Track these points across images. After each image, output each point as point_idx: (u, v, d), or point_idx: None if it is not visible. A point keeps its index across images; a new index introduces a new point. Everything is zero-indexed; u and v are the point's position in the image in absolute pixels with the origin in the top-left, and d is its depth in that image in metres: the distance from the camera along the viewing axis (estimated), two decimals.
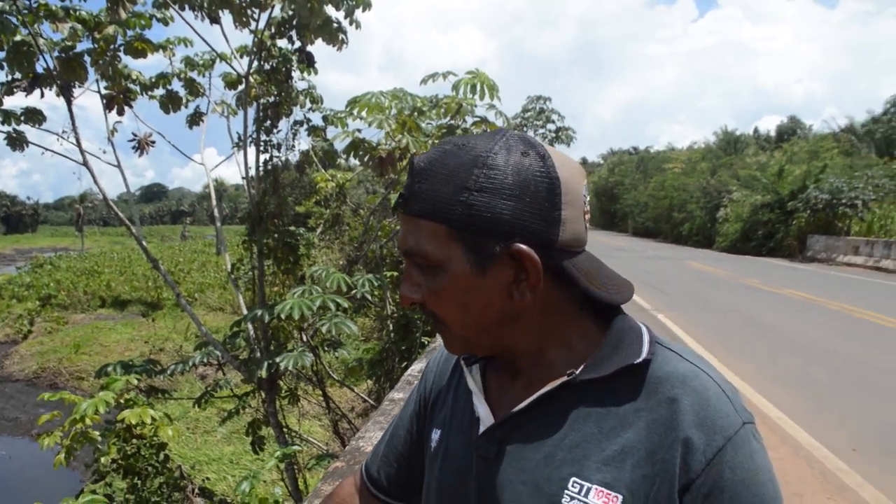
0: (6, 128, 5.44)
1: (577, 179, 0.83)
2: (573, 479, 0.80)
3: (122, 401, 4.33)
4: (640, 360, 0.82)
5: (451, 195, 0.80)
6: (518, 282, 0.82)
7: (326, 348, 5.74)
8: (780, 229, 28.40)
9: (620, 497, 0.78)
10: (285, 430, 5.79)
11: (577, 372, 0.84)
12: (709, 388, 0.80)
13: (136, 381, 4.67)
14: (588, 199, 0.85)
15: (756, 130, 54.89)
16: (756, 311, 12.25)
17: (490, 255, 0.81)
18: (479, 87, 5.23)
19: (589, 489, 0.79)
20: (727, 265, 22.45)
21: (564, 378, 0.84)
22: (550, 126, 61.13)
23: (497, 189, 0.79)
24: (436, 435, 1.02)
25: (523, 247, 0.79)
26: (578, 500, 0.79)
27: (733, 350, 8.76)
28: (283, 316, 4.28)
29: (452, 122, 5.75)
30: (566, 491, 0.80)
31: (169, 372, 5.41)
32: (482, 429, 0.92)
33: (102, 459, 4.24)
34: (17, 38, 4.88)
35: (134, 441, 4.43)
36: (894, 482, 4.71)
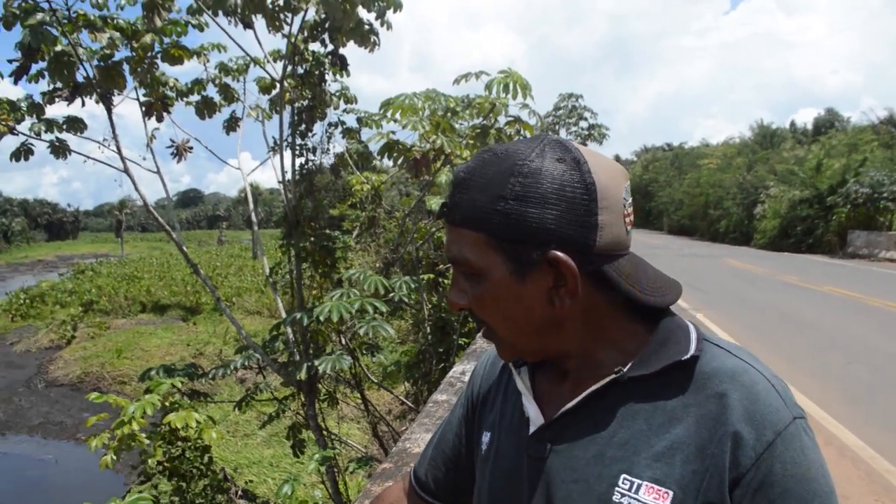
0: (49, 136, 5.54)
1: (617, 182, 0.83)
2: (623, 475, 0.81)
3: (166, 404, 4.40)
4: (688, 356, 0.82)
5: (488, 204, 0.81)
6: (557, 288, 0.83)
7: (364, 352, 5.76)
8: (819, 225, 27.89)
9: (671, 493, 0.78)
10: (325, 432, 5.81)
11: (625, 370, 0.84)
12: (758, 382, 0.80)
13: (179, 385, 4.74)
14: (630, 201, 0.85)
15: (793, 124, 53.95)
16: (795, 308, 12.04)
17: (529, 262, 0.82)
18: (511, 87, 5.19)
19: (640, 486, 0.80)
20: (765, 262, 22.11)
21: (612, 376, 0.84)
22: (583, 124, 60.75)
23: (532, 197, 0.80)
24: (486, 437, 1.03)
25: (560, 254, 0.80)
26: (629, 496, 0.80)
27: (773, 348, 8.61)
28: (321, 319, 4.30)
29: (485, 121, 5.72)
30: (617, 488, 0.81)
31: (211, 375, 5.47)
32: (532, 429, 0.92)
33: (149, 461, 4.30)
34: (58, 48, 4.97)
35: (179, 444, 4.49)
36: None
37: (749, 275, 18.25)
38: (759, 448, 0.76)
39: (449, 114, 5.66)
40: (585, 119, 60.16)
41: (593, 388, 0.85)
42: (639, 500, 0.79)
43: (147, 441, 4.16)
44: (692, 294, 13.67)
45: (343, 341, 5.58)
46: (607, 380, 0.84)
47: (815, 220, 28.14)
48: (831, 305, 12.30)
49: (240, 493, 5.12)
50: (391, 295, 4.89)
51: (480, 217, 0.82)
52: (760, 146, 47.35)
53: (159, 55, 5.62)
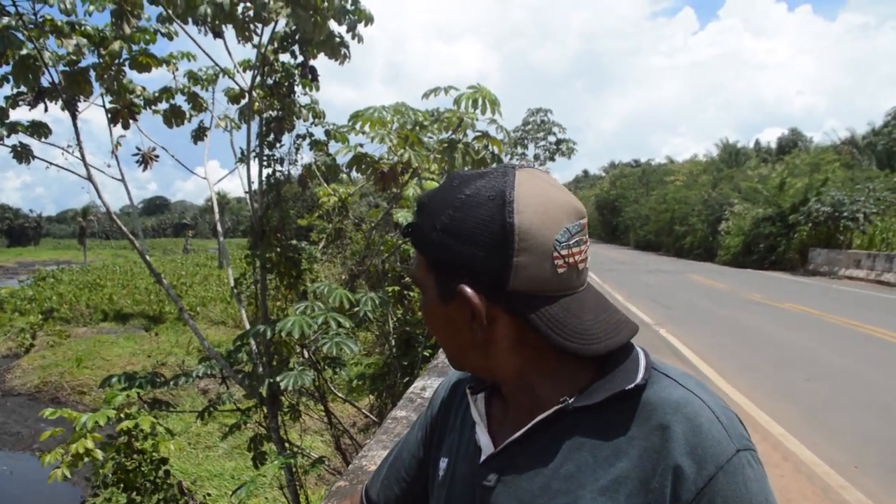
0: (12, 140, 5.45)
1: (550, 222, 0.81)
2: None
3: (122, 415, 4.33)
4: (632, 386, 0.82)
5: (427, 231, 0.86)
6: (474, 318, 0.85)
7: (327, 366, 5.73)
8: (781, 242, 28.42)
9: None
10: (287, 445, 5.77)
11: (571, 400, 0.84)
12: (701, 414, 0.79)
13: (136, 396, 4.67)
14: (576, 240, 0.83)
15: (757, 143, 55.00)
16: (758, 325, 12.23)
17: (449, 290, 0.85)
18: (480, 102, 5.23)
19: None
20: (729, 279, 22.45)
21: (558, 406, 0.84)
22: (551, 138, 61.25)
23: (456, 232, 0.82)
24: (443, 463, 1.03)
25: (466, 289, 0.83)
26: None
27: (734, 365, 8.74)
28: (283, 333, 4.28)
29: (454, 136, 5.75)
30: None
31: (172, 383, 5.40)
32: (482, 458, 0.93)
33: (101, 470, 4.24)
34: (23, 52, 4.91)
35: (135, 456, 4.42)
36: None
37: (713, 291, 18.52)
38: (699, 482, 0.75)
39: (417, 127, 5.69)
40: (554, 134, 60.69)
41: (539, 418, 0.86)
42: None
43: (101, 454, 4.09)
44: (655, 309, 13.83)
45: (306, 354, 5.55)
46: (552, 410, 0.84)
47: (778, 238, 28.65)
48: (793, 323, 12.52)
49: None
50: (356, 309, 4.88)
51: (422, 240, 0.87)
52: (726, 164, 48.16)
53: (127, 62, 5.56)
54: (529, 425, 0.86)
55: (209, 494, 8.80)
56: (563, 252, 0.82)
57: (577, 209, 0.84)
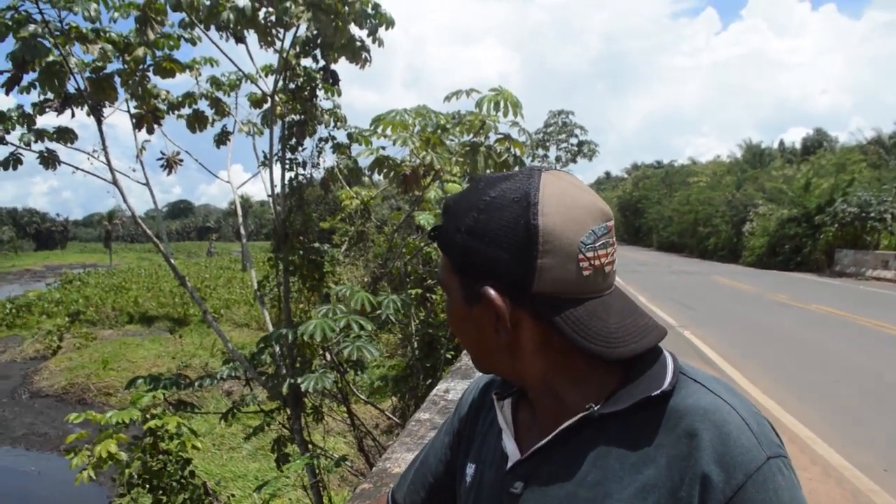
0: (39, 146, 5.54)
1: (574, 224, 0.81)
2: None
3: (147, 416, 4.38)
4: (658, 392, 0.81)
5: (452, 233, 0.86)
6: (499, 320, 0.84)
7: (349, 368, 5.76)
8: (807, 243, 28.07)
9: None
10: (310, 446, 5.80)
11: (597, 407, 0.83)
12: (730, 421, 0.78)
13: (161, 397, 4.72)
14: (602, 243, 0.83)
15: (781, 143, 54.34)
16: (784, 327, 12.10)
17: (475, 292, 0.85)
18: (502, 104, 5.23)
19: None
20: (754, 280, 22.21)
21: (584, 413, 0.83)
22: (573, 140, 61.02)
23: (481, 234, 0.82)
24: (471, 469, 1.02)
25: (490, 291, 0.83)
26: None
27: (760, 367, 8.64)
28: (306, 336, 4.30)
29: (476, 138, 5.75)
30: None
31: (197, 384, 5.45)
32: (509, 465, 0.92)
33: (126, 471, 4.28)
34: (49, 59, 4.99)
35: (160, 456, 4.47)
36: None
37: (738, 293, 18.34)
38: (728, 491, 0.74)
39: (439, 130, 5.70)
40: (576, 136, 60.46)
41: (565, 425, 0.85)
42: None
43: (125, 457, 4.14)
44: (680, 311, 13.72)
45: (329, 357, 5.58)
46: (578, 417, 0.84)
47: (804, 239, 28.32)
48: (820, 324, 12.37)
49: None
50: (378, 312, 4.89)
51: (446, 243, 0.87)
52: (750, 165, 47.65)
53: (151, 68, 5.64)
54: (555, 433, 0.86)
55: (233, 495, 8.87)
56: (589, 254, 0.81)
57: (604, 211, 0.84)
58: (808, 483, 4.89)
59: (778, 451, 0.78)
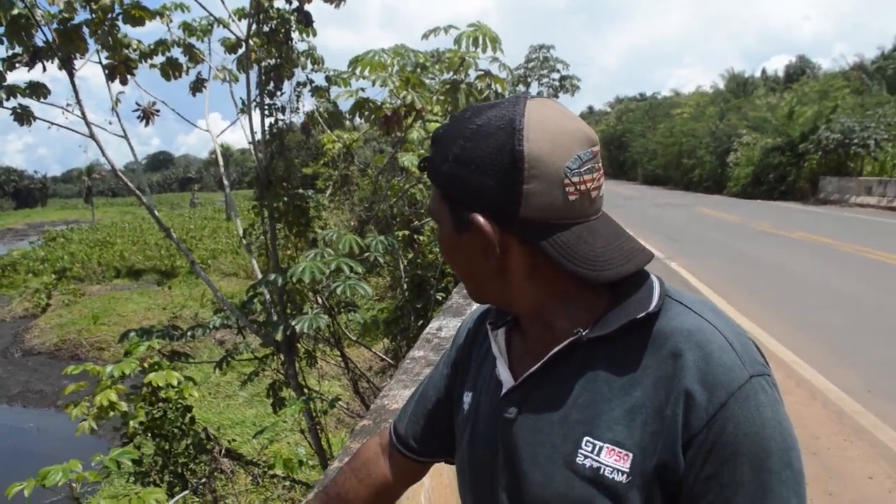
0: (11, 103, 5.42)
1: (560, 149, 0.81)
2: (586, 438, 0.83)
3: (145, 365, 4.41)
4: (643, 314, 0.83)
5: (440, 162, 0.87)
6: (488, 247, 0.85)
7: (342, 310, 5.79)
8: (791, 172, 28.15)
9: (631, 455, 0.79)
10: (305, 390, 5.87)
11: (585, 332, 0.85)
12: (713, 341, 0.80)
13: (157, 346, 4.74)
14: (588, 168, 0.83)
15: (764, 71, 53.92)
16: (769, 255, 12.24)
17: (464, 220, 0.86)
18: (481, 40, 5.15)
19: (601, 448, 0.81)
20: (738, 210, 22.35)
21: (573, 338, 0.85)
22: (554, 75, 60.34)
23: (468, 160, 0.83)
24: (468, 398, 1.05)
25: (478, 217, 0.84)
26: (592, 458, 0.81)
27: (746, 295, 8.77)
28: (295, 279, 4.31)
29: (456, 76, 5.68)
30: (580, 450, 0.82)
31: (189, 335, 5.47)
32: (503, 391, 0.94)
33: (131, 423, 4.33)
34: (14, 12, 4.84)
35: (160, 405, 4.51)
36: None
37: (723, 223, 18.47)
38: (710, 409, 0.76)
39: (418, 69, 5.61)
40: (557, 70, 59.76)
41: (555, 350, 0.87)
42: (600, 462, 0.80)
43: (125, 406, 4.18)
44: (665, 244, 13.82)
45: (320, 300, 5.60)
46: (568, 342, 0.85)
47: (788, 168, 28.38)
48: (804, 252, 12.52)
49: (223, 451, 5.17)
50: (366, 254, 4.90)
51: (435, 173, 0.88)
52: (733, 95, 47.38)
53: (120, 16, 5.48)
54: (546, 358, 0.88)
55: (234, 440, 9.01)
56: (575, 179, 0.82)
57: (590, 137, 0.84)
58: (794, 406, 5.02)
59: (761, 369, 0.80)
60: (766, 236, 15.00)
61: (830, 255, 11.85)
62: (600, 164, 0.85)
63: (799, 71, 48.82)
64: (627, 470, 0.79)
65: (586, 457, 0.82)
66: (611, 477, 0.80)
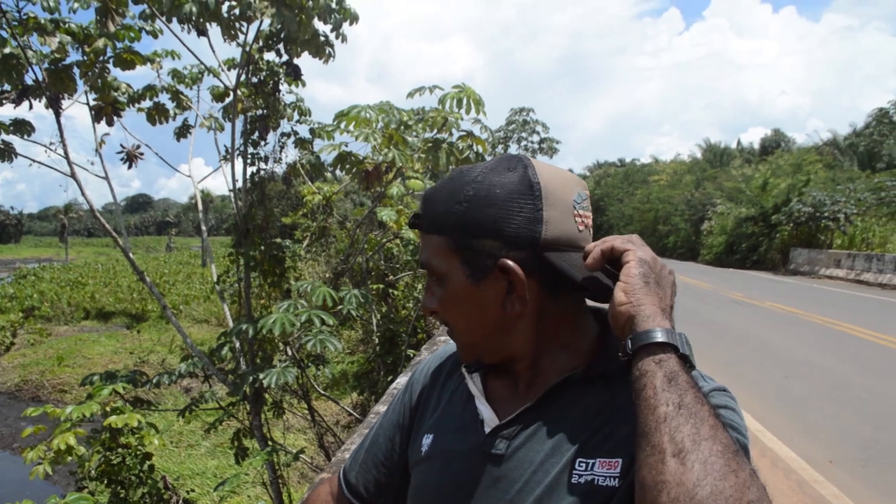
0: None
1: (566, 187, 0.91)
2: (579, 459, 0.87)
3: (107, 409, 4.33)
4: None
5: (447, 208, 0.91)
6: (509, 293, 0.90)
7: (310, 363, 5.75)
8: (763, 242, 28.66)
9: (620, 460, 0.84)
10: (270, 443, 5.78)
11: (580, 369, 0.92)
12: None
13: (121, 390, 4.67)
14: (584, 204, 0.93)
15: (739, 143, 55.32)
16: (739, 323, 12.36)
17: (482, 268, 0.90)
18: (465, 102, 5.27)
19: (594, 463, 0.86)
20: (711, 278, 22.63)
21: (569, 374, 0.92)
22: (535, 137, 61.41)
23: (483, 198, 0.88)
24: (427, 440, 1.06)
25: (510, 262, 0.88)
26: (586, 475, 0.86)
27: (715, 362, 8.83)
28: (266, 331, 4.29)
29: (438, 135, 5.78)
30: (574, 471, 0.87)
31: (155, 382, 5.39)
32: (488, 429, 0.97)
33: (86, 464, 4.24)
34: (6, 50, 4.89)
35: (119, 450, 4.43)
36: (869, 494, 4.79)
37: (696, 290, 18.66)
38: None
39: (402, 127, 5.72)
40: (537, 133, 60.84)
41: (551, 384, 0.93)
42: (594, 474, 0.85)
43: (83, 450, 4.09)
44: None
45: (290, 352, 5.57)
46: (563, 378, 0.92)
47: (760, 238, 28.92)
48: (774, 321, 12.66)
49: (181, 502, 5.05)
50: (340, 307, 4.91)
51: (440, 221, 0.92)
52: (710, 164, 48.45)
53: (111, 60, 5.56)
54: (542, 392, 0.93)
55: (192, 490, 8.79)
56: (581, 212, 0.92)
57: (581, 182, 0.94)
58: None
59: (725, 388, 0.90)
60: (738, 304, 15.18)
61: (798, 326, 12.00)
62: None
63: (774, 144, 50.16)
64: (619, 474, 0.84)
65: (581, 475, 0.86)
66: (604, 484, 0.84)
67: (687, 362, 0.81)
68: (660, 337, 0.81)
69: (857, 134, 41.21)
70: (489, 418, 0.98)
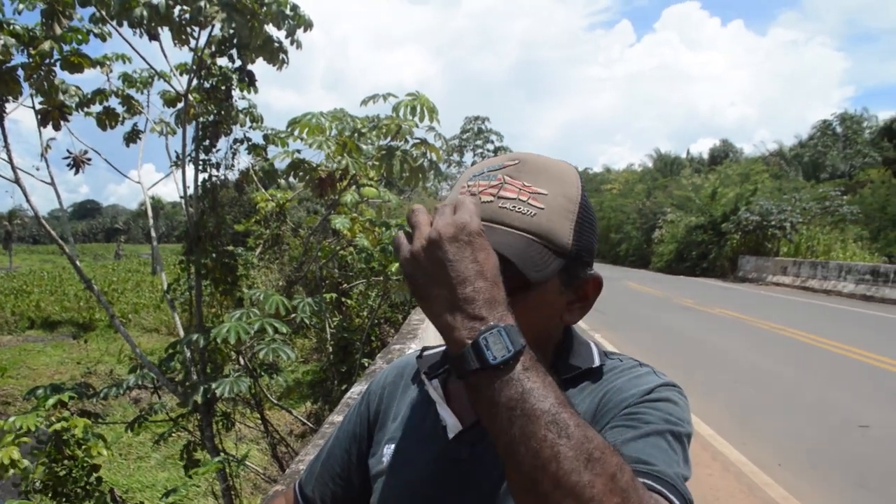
0: None
1: (470, 170, 0.99)
2: None
3: (52, 419, 4.22)
4: (597, 364, 0.96)
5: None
6: (577, 300, 0.97)
7: (264, 372, 5.68)
8: (713, 250, 29.29)
9: None
10: (222, 454, 5.69)
11: None
12: (643, 371, 0.95)
13: (67, 400, 4.55)
14: (483, 176, 0.97)
15: (689, 153, 56.47)
16: (689, 330, 12.59)
17: (575, 275, 0.97)
18: (419, 110, 5.30)
19: None
20: (662, 285, 23.02)
21: None
22: (489, 146, 61.88)
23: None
24: (388, 449, 1.06)
25: (594, 271, 1.01)
26: None
27: (667, 368, 8.79)
28: (219, 340, 4.23)
29: (392, 143, 5.79)
30: None
31: (102, 395, 5.27)
32: (451, 434, 0.97)
33: (31, 476, 4.11)
34: None
35: (65, 462, 4.30)
36: (817, 496, 4.92)
37: (647, 297, 18.98)
38: (627, 397, 0.88)
39: (356, 134, 5.71)
40: (492, 141, 61.31)
41: None
42: None
43: (27, 463, 3.97)
44: (591, 315, 13.93)
45: (242, 361, 5.50)
46: None
47: (710, 246, 29.56)
48: (721, 327, 12.95)
49: None
50: (293, 315, 4.86)
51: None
52: (661, 173, 49.34)
53: (58, 62, 5.43)
54: None
55: (142, 503, 8.59)
56: (468, 183, 0.96)
57: (499, 159, 0.99)
58: (709, 478, 5.13)
59: (675, 384, 0.93)
60: (688, 311, 15.47)
61: (747, 332, 12.28)
62: None
63: (722, 154, 51.33)
64: None
65: None
66: None
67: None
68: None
69: (802, 145, 42.53)
70: (452, 424, 0.97)
